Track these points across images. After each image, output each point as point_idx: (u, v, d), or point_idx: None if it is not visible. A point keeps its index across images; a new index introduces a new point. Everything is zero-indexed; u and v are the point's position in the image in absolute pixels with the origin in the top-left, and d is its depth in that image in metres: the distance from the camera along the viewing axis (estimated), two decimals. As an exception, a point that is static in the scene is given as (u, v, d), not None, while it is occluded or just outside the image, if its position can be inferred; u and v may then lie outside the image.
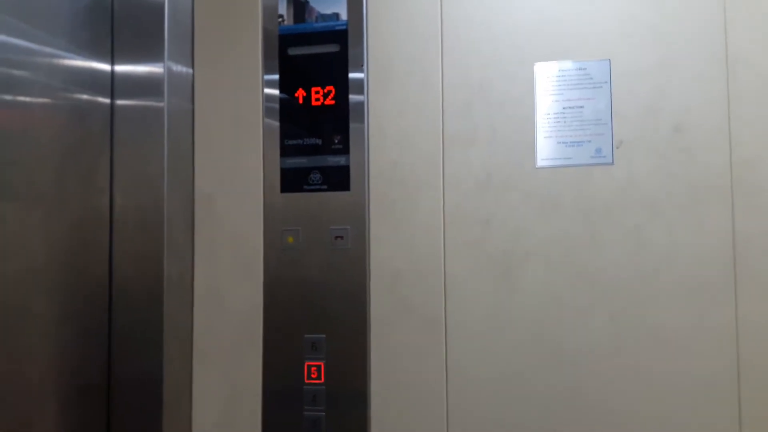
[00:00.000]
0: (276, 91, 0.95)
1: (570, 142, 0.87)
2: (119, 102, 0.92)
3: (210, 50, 0.97)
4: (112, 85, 0.93)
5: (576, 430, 0.85)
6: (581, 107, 0.87)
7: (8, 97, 0.75)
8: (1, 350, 0.72)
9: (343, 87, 0.93)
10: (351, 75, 0.93)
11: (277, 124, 0.95)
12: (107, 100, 0.92)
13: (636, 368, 0.84)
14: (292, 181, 0.94)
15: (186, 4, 0.97)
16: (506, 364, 0.88)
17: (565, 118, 0.87)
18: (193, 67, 0.97)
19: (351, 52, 0.93)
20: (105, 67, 0.92)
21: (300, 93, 0.94)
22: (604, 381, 0.85)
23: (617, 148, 0.86)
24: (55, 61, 0.84)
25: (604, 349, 0.85)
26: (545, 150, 0.88)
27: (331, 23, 0.93)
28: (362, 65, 0.93)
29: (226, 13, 0.97)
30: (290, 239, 0.93)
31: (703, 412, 0.83)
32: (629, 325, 0.85)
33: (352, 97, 0.93)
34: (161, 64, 0.92)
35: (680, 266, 0.84)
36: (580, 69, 0.87)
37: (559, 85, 0.87)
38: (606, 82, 0.86)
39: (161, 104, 0.91)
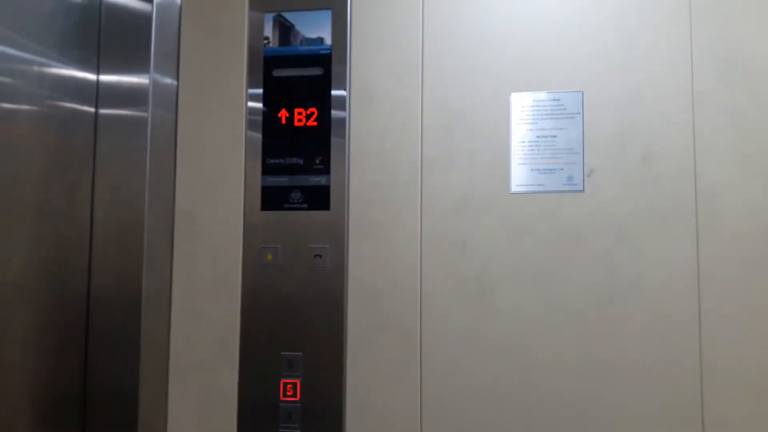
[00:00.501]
0: (259, 105, 0.97)
1: (543, 170, 0.90)
2: (103, 111, 0.93)
3: (195, 65, 0.99)
4: (97, 94, 0.94)
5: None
6: (554, 136, 0.90)
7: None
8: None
9: (326, 109, 0.95)
10: (334, 97, 0.95)
11: (259, 136, 0.96)
12: (92, 109, 0.93)
13: (602, 388, 0.87)
14: (272, 199, 0.95)
15: (173, 19, 0.99)
16: (479, 381, 0.90)
17: (539, 146, 0.90)
18: (177, 80, 0.99)
19: (334, 75, 0.95)
20: (90, 76, 0.93)
21: (283, 113, 0.96)
22: (571, 399, 0.88)
23: (588, 176, 0.90)
24: (44, 69, 0.85)
25: (572, 368, 0.88)
26: (519, 176, 0.91)
27: (316, 47, 0.96)
28: (345, 88, 0.95)
29: (212, 31, 0.99)
30: (269, 257, 0.95)
31: (655, 424, 0.86)
32: (596, 346, 0.88)
33: (334, 119, 0.95)
34: (147, 76, 0.93)
35: (646, 291, 0.87)
36: (554, 100, 0.90)
37: (534, 115, 0.91)
38: (578, 112, 0.90)
39: (145, 114, 0.92)
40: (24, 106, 0.81)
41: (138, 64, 0.94)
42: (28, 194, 0.81)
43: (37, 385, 0.82)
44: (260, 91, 0.97)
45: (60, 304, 0.86)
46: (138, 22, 0.95)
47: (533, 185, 0.90)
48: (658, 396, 0.86)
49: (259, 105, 0.97)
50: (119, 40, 0.95)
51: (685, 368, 0.86)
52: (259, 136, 0.96)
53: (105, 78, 0.94)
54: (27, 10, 0.82)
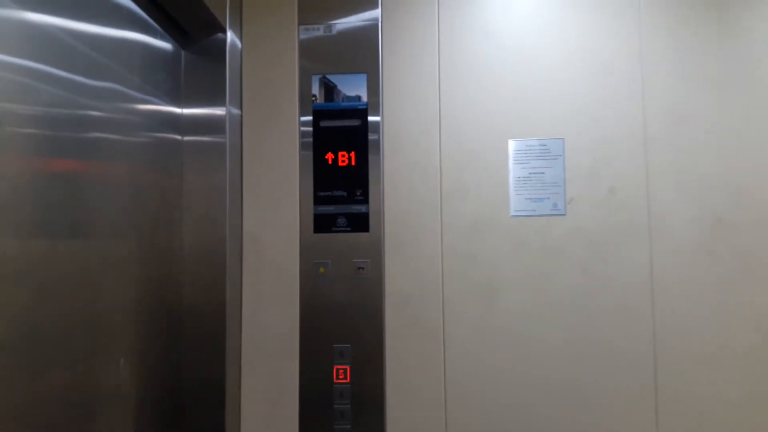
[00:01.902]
0: (310, 129, 1.21)
1: (534, 199, 1.18)
2: (187, 138, 1.14)
3: (257, 113, 1.22)
4: (182, 125, 1.14)
5: (543, 410, 1.15)
6: (542, 173, 1.18)
7: (116, 137, 0.93)
8: (109, 366, 0.94)
9: (364, 152, 1.20)
10: (370, 143, 1.20)
11: (310, 174, 1.20)
12: (179, 137, 1.14)
13: (581, 366, 1.15)
14: (323, 224, 1.20)
15: (236, 61, 1.21)
16: (488, 363, 1.17)
17: (530, 180, 1.18)
18: (241, 110, 1.22)
19: (370, 125, 1.20)
20: (178, 110, 1.14)
21: (329, 156, 1.21)
22: (559, 374, 1.16)
23: (569, 203, 1.17)
24: (152, 107, 1.05)
25: (559, 350, 1.16)
26: (516, 204, 1.18)
27: (354, 103, 1.21)
28: (379, 136, 1.20)
29: (269, 87, 1.22)
30: (321, 270, 1.19)
31: (623, 390, 1.15)
32: (577, 333, 1.16)
33: (371, 160, 1.20)
34: (224, 108, 1.15)
35: (614, 290, 1.16)
36: (542, 145, 1.18)
37: (527, 156, 1.18)
38: (560, 155, 1.18)
39: (223, 140, 1.14)
40: (136, 139, 0.99)
41: (215, 99, 1.15)
42: (141, 229, 1.02)
43: (145, 382, 1.04)
44: (310, 140, 1.21)
45: (162, 317, 1.08)
46: (214, 68, 1.16)
47: (527, 210, 1.18)
48: (623, 368, 1.15)
49: (310, 151, 1.21)
50: (198, 81, 1.16)
51: (642, 348, 1.15)
52: (310, 173, 1.21)
53: (188, 111, 1.16)
54: (139, 60, 1.03)
